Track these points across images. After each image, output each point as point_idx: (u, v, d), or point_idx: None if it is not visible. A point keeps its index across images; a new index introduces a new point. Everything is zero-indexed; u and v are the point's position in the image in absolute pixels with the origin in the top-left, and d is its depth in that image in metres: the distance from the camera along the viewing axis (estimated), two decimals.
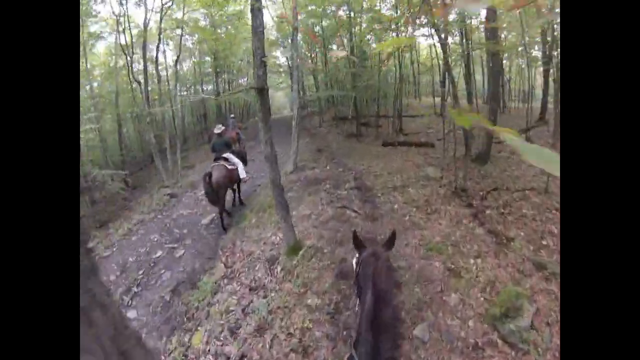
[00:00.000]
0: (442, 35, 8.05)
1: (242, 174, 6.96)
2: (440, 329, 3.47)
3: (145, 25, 13.07)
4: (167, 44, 18.96)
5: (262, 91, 3.65)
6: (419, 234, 5.13)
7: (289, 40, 8.88)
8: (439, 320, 3.55)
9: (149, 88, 14.56)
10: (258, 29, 3.61)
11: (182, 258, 6.17)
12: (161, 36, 14.50)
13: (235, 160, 6.91)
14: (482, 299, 3.74)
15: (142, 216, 8.94)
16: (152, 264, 6.11)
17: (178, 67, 20.79)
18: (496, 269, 4.16)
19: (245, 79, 24.87)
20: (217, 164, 6.60)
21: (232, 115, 13.58)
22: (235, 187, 7.62)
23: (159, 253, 6.44)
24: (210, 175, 6.33)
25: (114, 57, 15.91)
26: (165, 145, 13.61)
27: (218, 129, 7.28)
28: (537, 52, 14.54)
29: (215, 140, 7.16)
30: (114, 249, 6.93)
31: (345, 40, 14.55)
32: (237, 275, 5.05)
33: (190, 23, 16.07)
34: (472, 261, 4.30)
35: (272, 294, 4.27)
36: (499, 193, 6.36)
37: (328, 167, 9.47)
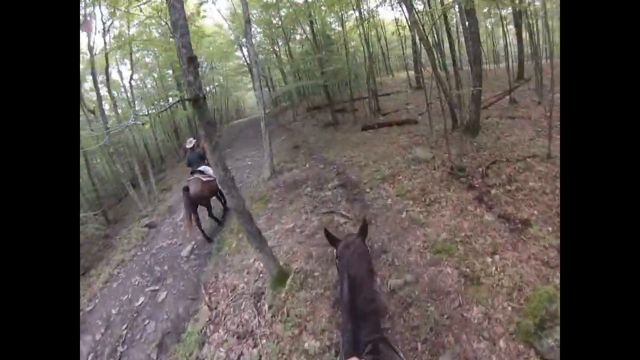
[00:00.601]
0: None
1: None
2: (467, 356, 2.82)
3: (90, 48, 11.99)
4: (124, 64, 17.83)
5: (197, 102, 2.85)
6: (421, 233, 4.45)
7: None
8: (464, 346, 2.90)
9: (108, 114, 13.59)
10: (178, 22, 2.81)
11: (165, 302, 5.55)
12: (113, 57, 13.62)
13: (212, 171, 6.65)
14: (509, 308, 3.09)
15: (122, 255, 8.48)
16: (135, 314, 5.53)
17: (134, 84, 19.78)
18: (518, 264, 3.51)
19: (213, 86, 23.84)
20: (192, 177, 6.58)
21: None
22: (217, 197, 7.45)
23: (141, 300, 5.86)
24: (187, 188, 6.26)
25: None
26: (137, 172, 12.73)
27: (189, 143, 7.24)
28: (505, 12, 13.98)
29: (189, 154, 7.22)
30: (97, 301, 6.44)
31: (307, 28, 13.71)
32: (223, 319, 4.35)
33: (139, 37, 15.01)
34: (489, 260, 3.65)
35: (263, 341, 3.58)
36: (499, 166, 5.70)
37: (307, 165, 8.72)
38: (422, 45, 8.34)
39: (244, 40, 15.50)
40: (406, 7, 8.28)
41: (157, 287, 6.01)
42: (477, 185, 5.31)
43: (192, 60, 2.84)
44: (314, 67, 13.89)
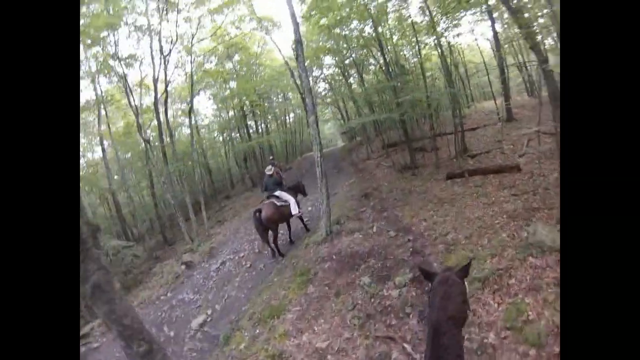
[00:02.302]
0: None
1: (294, 210, 7.15)
2: None
3: (155, 79, 12.22)
4: (199, 94, 18.54)
5: None
6: None
7: (300, 63, 6.77)
8: None
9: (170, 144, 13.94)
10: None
11: None
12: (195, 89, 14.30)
13: (287, 197, 7.17)
14: None
15: (150, 292, 8.94)
16: None
17: (215, 116, 20.53)
18: None
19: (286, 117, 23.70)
20: (268, 201, 7.01)
21: (272, 157, 13.62)
22: (287, 224, 7.67)
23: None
24: (260, 211, 6.66)
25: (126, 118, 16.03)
26: (188, 203, 12.58)
27: (269, 170, 7.66)
28: None
29: (266, 179, 7.61)
30: (104, 340, 6.70)
31: (381, 60, 12.26)
32: None
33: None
34: None
35: None
36: None
37: (374, 229, 6.70)
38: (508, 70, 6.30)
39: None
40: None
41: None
42: None
43: None
44: (389, 98, 12.13)
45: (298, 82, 12.38)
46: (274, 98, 20.93)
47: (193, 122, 16.14)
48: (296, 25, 6.71)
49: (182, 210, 13.20)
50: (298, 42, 6.72)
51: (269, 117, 21.68)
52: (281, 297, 5.41)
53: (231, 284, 7.88)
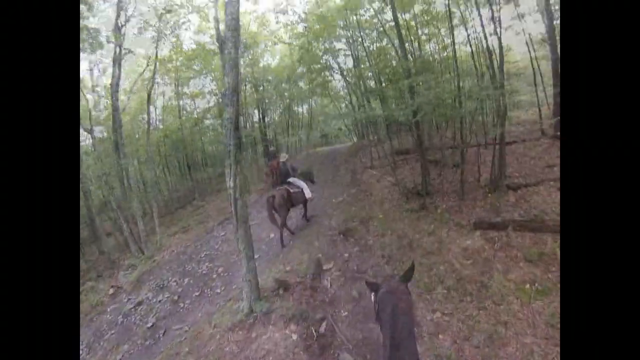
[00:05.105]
0: None
1: (307, 194, 7.23)
2: None
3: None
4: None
5: None
6: None
7: None
8: None
9: None
10: None
11: None
12: None
13: (300, 183, 7.25)
14: None
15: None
16: None
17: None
18: None
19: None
20: (282, 187, 6.99)
21: (272, 147, 13.38)
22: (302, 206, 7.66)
23: None
24: (273, 197, 6.67)
25: None
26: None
27: (283, 157, 7.60)
28: None
29: (282, 166, 7.44)
30: None
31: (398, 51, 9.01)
32: None
33: None
34: None
35: None
36: None
37: (327, 325, 3.68)
38: None
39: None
40: None
41: None
42: None
43: None
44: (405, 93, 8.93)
45: None
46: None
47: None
48: None
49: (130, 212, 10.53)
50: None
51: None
52: None
53: (122, 349, 5.31)
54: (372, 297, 1.90)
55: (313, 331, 3.64)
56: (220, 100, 14.68)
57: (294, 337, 3.55)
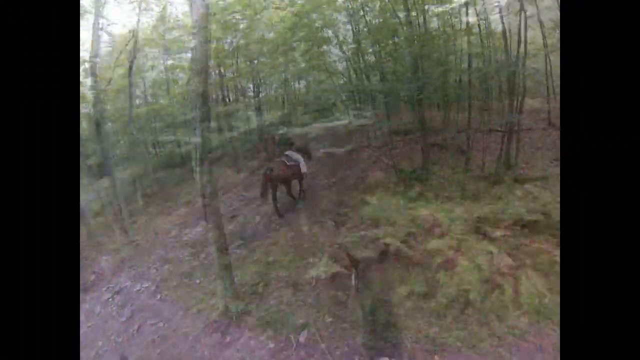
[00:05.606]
0: None
1: (304, 169, 7.17)
2: None
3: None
4: None
5: None
6: None
7: None
8: None
9: None
10: None
11: None
12: None
13: (297, 156, 7.12)
14: None
15: None
16: None
17: None
18: None
19: None
20: (279, 159, 6.97)
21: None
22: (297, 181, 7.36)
23: None
24: (271, 169, 6.53)
25: None
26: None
27: (281, 129, 8.51)
28: None
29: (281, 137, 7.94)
30: None
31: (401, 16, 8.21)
32: None
33: None
34: None
35: None
36: None
37: (307, 334, 3.30)
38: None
39: None
40: None
41: None
42: None
43: None
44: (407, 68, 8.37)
45: None
46: None
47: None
48: None
49: None
50: None
51: None
52: None
53: (96, 344, 5.02)
54: (353, 274, 2.02)
55: (297, 336, 3.28)
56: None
57: (271, 345, 3.19)
